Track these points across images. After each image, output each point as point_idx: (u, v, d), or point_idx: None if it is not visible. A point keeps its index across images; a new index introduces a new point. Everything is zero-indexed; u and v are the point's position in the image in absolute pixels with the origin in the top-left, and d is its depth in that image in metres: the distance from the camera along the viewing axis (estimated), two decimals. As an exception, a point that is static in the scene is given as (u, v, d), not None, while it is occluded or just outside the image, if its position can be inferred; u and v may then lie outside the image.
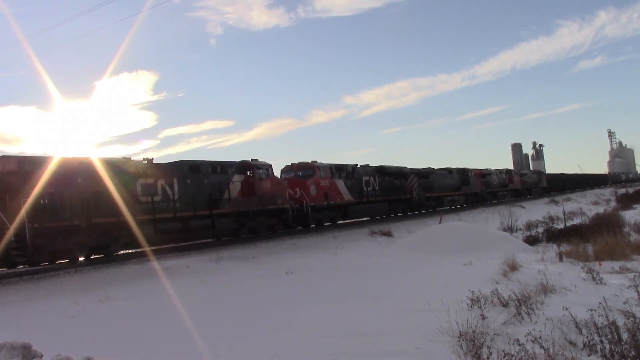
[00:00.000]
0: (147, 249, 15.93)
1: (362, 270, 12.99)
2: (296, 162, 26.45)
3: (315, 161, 25.41)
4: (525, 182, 53.11)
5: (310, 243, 19.45)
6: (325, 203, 24.47)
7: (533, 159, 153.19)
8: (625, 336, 4.90)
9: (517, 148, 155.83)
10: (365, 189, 27.64)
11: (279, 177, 24.12)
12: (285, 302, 9.10)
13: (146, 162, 17.79)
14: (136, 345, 6.65)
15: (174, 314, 8.46)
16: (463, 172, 40.23)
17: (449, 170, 38.56)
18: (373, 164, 32.75)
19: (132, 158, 18.01)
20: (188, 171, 18.67)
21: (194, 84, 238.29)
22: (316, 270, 13.31)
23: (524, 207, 36.03)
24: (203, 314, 8.39)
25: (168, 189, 17.51)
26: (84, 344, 6.77)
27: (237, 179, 20.37)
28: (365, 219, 28.44)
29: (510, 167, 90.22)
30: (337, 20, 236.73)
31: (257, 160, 21.85)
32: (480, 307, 6.85)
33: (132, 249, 16.98)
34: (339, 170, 26.10)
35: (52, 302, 10.26)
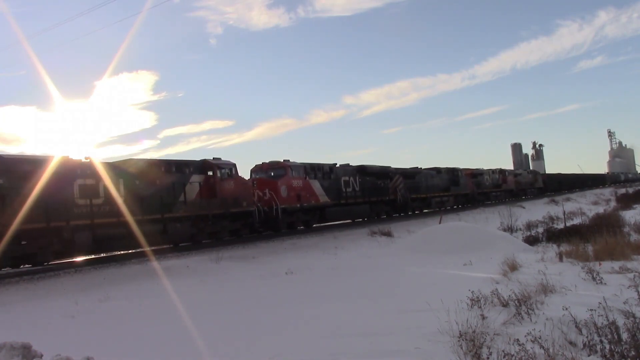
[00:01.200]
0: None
1: (362, 270, 13.00)
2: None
3: (288, 160, 23.71)
4: (519, 182, 51.76)
5: (310, 243, 19.47)
6: (298, 205, 22.76)
7: (533, 159, 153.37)
8: (625, 336, 4.90)
9: (517, 148, 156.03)
10: (344, 189, 26.00)
11: (249, 176, 22.90)
12: (285, 302, 9.10)
13: (87, 160, 15.92)
14: (136, 345, 6.65)
15: (174, 314, 8.46)
16: (453, 172, 38.71)
17: (437, 170, 37.17)
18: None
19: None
20: (137, 171, 16.98)
21: (194, 84, 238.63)
22: (316, 270, 13.32)
23: (524, 207, 36.04)
24: (203, 314, 8.39)
25: (112, 191, 15.57)
26: (84, 344, 6.76)
27: (195, 179, 18.68)
28: (347, 221, 26.98)
29: (511, 167, 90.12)
30: (337, 20, 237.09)
31: (219, 159, 20.25)
32: (480, 307, 6.85)
33: (67, 258, 15.36)
34: (314, 169, 24.43)
35: (52, 302, 10.26)
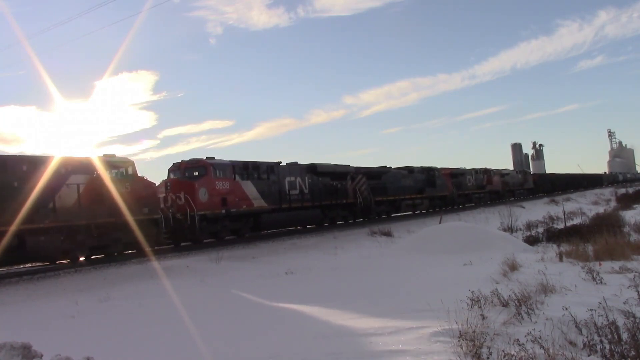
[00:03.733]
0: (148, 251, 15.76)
1: (362, 270, 13.00)
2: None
3: (213, 157, 20.08)
4: (507, 183, 48.01)
5: (310, 243, 19.48)
6: (223, 211, 19.05)
7: (533, 159, 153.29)
8: (625, 336, 4.90)
9: (517, 148, 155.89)
10: (288, 192, 22.40)
11: (167, 176, 19.63)
12: (285, 302, 9.10)
13: None
14: (136, 345, 6.65)
15: (174, 313, 8.47)
16: (428, 171, 35.09)
17: (409, 170, 33.49)
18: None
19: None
20: None
21: (194, 83, 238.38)
22: (316, 270, 13.33)
23: (524, 207, 36.07)
24: (203, 314, 8.40)
25: None
26: (84, 344, 6.77)
27: (75, 180, 14.83)
28: (289, 228, 23.63)
29: (511, 167, 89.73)
30: (337, 20, 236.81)
31: (113, 155, 16.59)
32: (480, 307, 6.84)
33: None
34: (247, 169, 20.75)
35: (52, 302, 10.27)
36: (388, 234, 21.51)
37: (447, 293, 7.81)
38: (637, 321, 5.08)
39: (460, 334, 5.33)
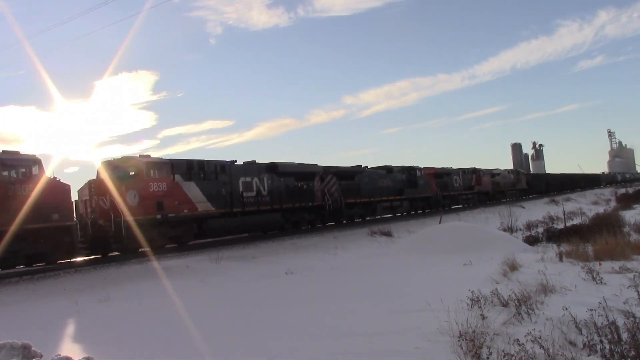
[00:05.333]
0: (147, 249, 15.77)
1: (362, 270, 13.00)
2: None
3: (148, 155, 17.75)
4: (497, 183, 45.48)
5: (310, 243, 19.47)
6: (159, 216, 16.76)
7: (533, 159, 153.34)
8: (625, 336, 4.90)
9: (517, 148, 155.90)
10: (242, 194, 20.09)
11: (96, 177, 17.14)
12: (285, 302, 9.10)
13: None
14: (136, 345, 6.65)
15: (174, 314, 8.47)
16: (410, 171, 32.65)
17: (387, 169, 31.06)
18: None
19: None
20: None
21: (194, 83, 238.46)
22: (316, 270, 13.33)
23: (523, 207, 36.05)
24: (203, 314, 8.40)
25: None
26: (84, 344, 6.77)
27: None
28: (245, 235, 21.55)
29: (511, 167, 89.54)
30: (337, 20, 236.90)
31: (16, 152, 14.33)
32: (480, 307, 6.84)
33: None
34: (190, 168, 18.44)
35: (52, 302, 10.28)
36: (388, 234, 21.52)
37: (447, 293, 7.81)
38: (637, 321, 5.08)
39: (460, 334, 5.33)
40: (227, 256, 15.55)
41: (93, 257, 16.15)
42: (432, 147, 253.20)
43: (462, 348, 5.05)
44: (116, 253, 16.59)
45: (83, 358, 4.94)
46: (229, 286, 11.59)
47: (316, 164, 25.39)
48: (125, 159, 17.27)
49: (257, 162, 22.04)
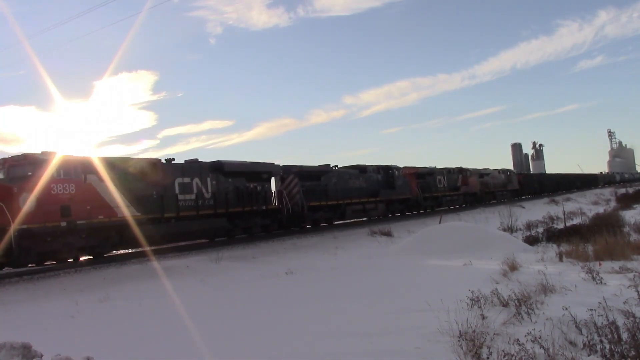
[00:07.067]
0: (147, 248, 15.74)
1: (362, 270, 13.00)
2: (274, 162, 20.55)
3: (50, 152, 14.58)
4: (486, 184, 42.93)
5: (310, 243, 19.47)
6: (64, 224, 14.07)
7: (533, 159, 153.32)
8: (625, 336, 4.90)
9: (517, 148, 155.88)
10: (180, 197, 17.73)
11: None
12: (285, 302, 9.11)
13: None
14: (136, 345, 6.65)
15: (174, 314, 8.47)
16: (386, 171, 30.30)
17: (360, 169, 28.77)
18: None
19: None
20: None
21: (194, 83, 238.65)
22: (316, 270, 13.33)
23: (523, 207, 36.07)
24: (203, 314, 8.40)
25: None
26: (84, 344, 6.77)
27: None
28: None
29: (511, 167, 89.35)
30: (337, 20, 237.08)
31: None
32: (480, 307, 6.85)
33: None
34: (113, 167, 15.76)
35: (52, 302, 10.27)
36: (388, 234, 21.54)
37: (447, 293, 7.81)
38: (637, 321, 5.08)
39: (460, 333, 5.33)
40: (227, 256, 15.56)
41: (93, 257, 16.13)
42: (432, 147, 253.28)
43: (462, 348, 5.05)
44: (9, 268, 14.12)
45: (83, 358, 4.94)
46: (229, 286, 11.59)
47: (273, 163, 22.92)
48: (23, 156, 14.46)
49: (199, 160, 19.63)
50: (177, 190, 17.77)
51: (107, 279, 12.67)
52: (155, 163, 17.37)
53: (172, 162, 18.23)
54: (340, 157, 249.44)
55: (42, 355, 5.02)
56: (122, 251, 17.17)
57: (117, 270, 13.73)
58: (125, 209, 15.80)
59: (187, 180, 18.30)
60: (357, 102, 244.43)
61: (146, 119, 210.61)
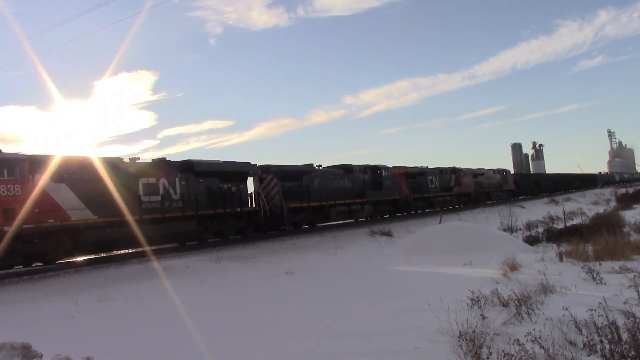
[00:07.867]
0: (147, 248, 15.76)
1: (362, 270, 13.00)
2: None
3: None
4: (481, 184, 41.69)
5: (310, 243, 19.47)
6: (6, 228, 12.94)
7: (533, 159, 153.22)
8: (625, 336, 4.90)
9: (517, 148, 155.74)
10: (144, 198, 16.67)
11: None
12: (285, 302, 9.11)
13: None
14: (136, 345, 6.65)
15: (174, 314, 8.47)
16: (374, 171, 29.15)
17: (346, 169, 27.58)
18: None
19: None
20: None
21: (194, 83, 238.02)
22: (316, 270, 13.33)
23: (523, 207, 36.09)
24: (203, 314, 8.40)
25: None
26: (84, 344, 6.77)
27: None
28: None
29: (511, 167, 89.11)
30: (337, 20, 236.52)
31: None
32: (480, 307, 6.85)
33: None
34: (67, 167, 14.78)
35: (52, 302, 10.27)
36: (388, 234, 21.53)
37: (447, 293, 7.81)
38: (637, 321, 5.08)
39: (460, 334, 5.33)
40: (227, 256, 15.55)
41: (93, 257, 16.15)
42: (433, 147, 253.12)
43: (462, 348, 5.04)
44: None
45: (83, 358, 4.94)
46: (229, 286, 11.59)
47: (250, 162, 21.67)
48: None
49: (168, 160, 18.57)
50: (140, 192, 16.64)
51: (107, 279, 12.67)
52: (115, 162, 16.27)
53: (137, 161, 17.24)
54: (341, 157, 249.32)
55: (42, 355, 5.02)
56: (77, 258, 15.75)
57: (117, 270, 13.73)
58: (79, 212, 14.73)
59: (152, 180, 17.11)
60: (357, 102, 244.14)
61: (146, 119, 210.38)
